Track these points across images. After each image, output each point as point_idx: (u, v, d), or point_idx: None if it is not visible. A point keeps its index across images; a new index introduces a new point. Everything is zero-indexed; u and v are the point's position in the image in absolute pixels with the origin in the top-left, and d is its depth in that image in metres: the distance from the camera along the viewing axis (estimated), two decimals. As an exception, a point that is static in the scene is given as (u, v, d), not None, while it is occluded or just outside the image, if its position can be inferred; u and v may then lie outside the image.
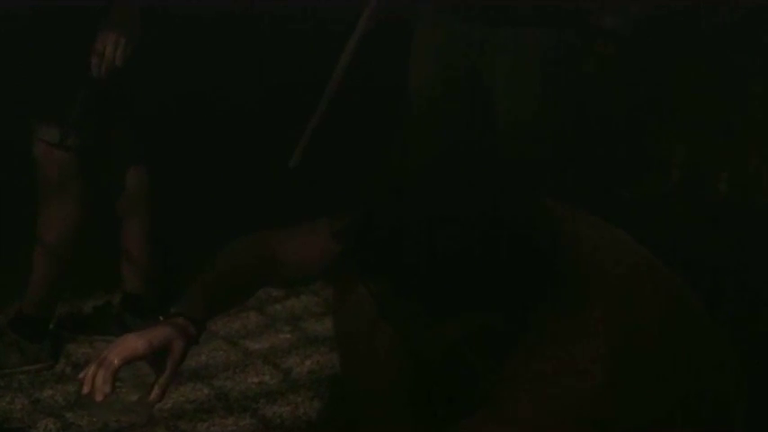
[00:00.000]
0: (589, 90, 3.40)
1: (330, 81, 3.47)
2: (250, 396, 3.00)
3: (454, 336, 1.82)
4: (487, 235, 1.71)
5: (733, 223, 3.80)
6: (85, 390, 1.91)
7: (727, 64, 3.92)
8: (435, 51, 3.21)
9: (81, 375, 1.94)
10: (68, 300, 3.32)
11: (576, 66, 3.17)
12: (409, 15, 3.31)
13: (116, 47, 2.82)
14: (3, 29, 2.86)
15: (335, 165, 3.89)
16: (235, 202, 3.85)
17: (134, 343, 1.92)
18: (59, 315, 3.23)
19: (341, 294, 2.19)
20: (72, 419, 2.84)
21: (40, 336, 3.10)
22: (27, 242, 3.08)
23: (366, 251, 1.76)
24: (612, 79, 3.83)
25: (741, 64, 3.89)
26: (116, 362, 1.90)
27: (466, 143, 3.17)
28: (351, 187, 3.49)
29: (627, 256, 1.95)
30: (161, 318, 2.00)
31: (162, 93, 3.12)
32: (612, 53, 3.32)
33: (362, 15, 3.35)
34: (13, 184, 3.38)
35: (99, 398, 1.90)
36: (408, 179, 1.86)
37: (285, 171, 3.67)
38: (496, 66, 3.11)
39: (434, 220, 1.72)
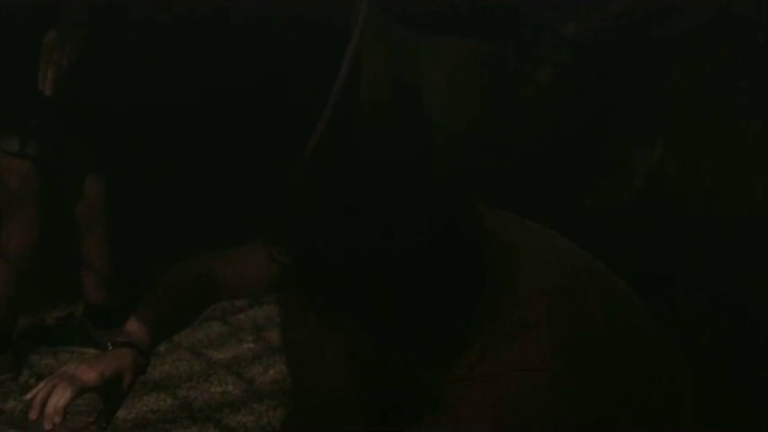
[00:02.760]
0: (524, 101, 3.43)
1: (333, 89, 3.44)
2: (214, 406, 3.00)
3: (396, 344, 1.84)
4: (421, 240, 1.72)
5: (695, 228, 3.82)
6: (33, 415, 1.93)
7: (686, 70, 3.95)
8: (379, 60, 3.23)
9: (28, 396, 1.96)
10: (31, 311, 3.32)
11: (509, 77, 3.20)
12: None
13: (62, 51, 2.82)
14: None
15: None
16: (196, 208, 3.85)
17: (87, 375, 1.94)
18: (22, 326, 3.22)
19: (286, 306, 2.21)
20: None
21: (2, 347, 3.08)
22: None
23: (303, 268, 1.77)
24: (558, 91, 3.87)
25: (700, 70, 3.93)
26: (68, 393, 1.92)
27: (406, 150, 3.20)
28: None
29: (564, 256, 1.98)
30: (109, 345, 2.02)
31: (119, 100, 3.12)
32: (549, 79, 3.35)
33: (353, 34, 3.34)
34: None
35: (47, 426, 1.92)
36: (352, 187, 1.87)
37: (246, 178, 3.68)
38: (434, 73, 3.13)
39: (370, 229, 1.73)
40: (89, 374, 1.94)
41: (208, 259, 2.19)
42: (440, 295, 1.75)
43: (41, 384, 1.96)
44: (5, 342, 3.10)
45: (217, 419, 2.93)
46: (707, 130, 3.95)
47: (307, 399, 2.26)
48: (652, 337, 2.05)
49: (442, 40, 3.09)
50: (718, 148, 3.94)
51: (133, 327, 2.06)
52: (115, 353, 2.00)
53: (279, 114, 4.08)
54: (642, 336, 2.02)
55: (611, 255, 2.16)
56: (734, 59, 3.85)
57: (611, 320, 1.93)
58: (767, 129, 3.88)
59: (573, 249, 2.03)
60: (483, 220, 1.84)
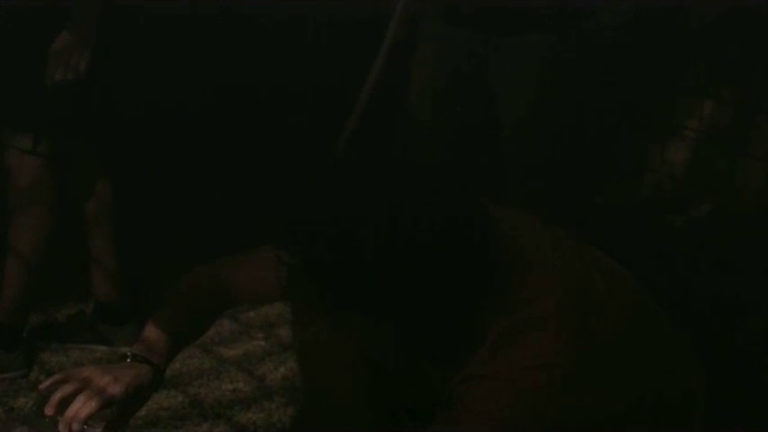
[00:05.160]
0: (584, 96, 3.40)
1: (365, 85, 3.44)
2: (224, 403, 3.00)
3: (405, 342, 1.84)
4: (428, 239, 1.72)
5: (708, 227, 3.82)
6: (50, 412, 1.92)
7: (699, 67, 3.94)
8: (435, 57, 3.22)
9: (43, 386, 1.96)
10: (42, 308, 3.32)
11: (571, 73, 3.18)
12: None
13: (74, 52, 2.82)
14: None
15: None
16: (205, 207, 3.85)
17: (113, 388, 1.94)
18: (33, 323, 3.22)
19: (296, 307, 2.20)
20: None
21: (13, 344, 3.09)
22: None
23: (313, 268, 1.77)
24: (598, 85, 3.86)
25: (713, 68, 3.92)
26: (94, 405, 1.91)
27: (461, 147, 3.19)
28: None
29: (575, 254, 1.97)
30: (127, 356, 2.02)
31: (130, 99, 3.12)
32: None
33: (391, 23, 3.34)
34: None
35: (63, 430, 1.91)
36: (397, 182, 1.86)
37: (255, 178, 3.68)
38: (494, 72, 3.12)
39: (379, 227, 1.73)
40: (115, 388, 1.94)
41: (219, 266, 2.19)
42: (448, 293, 1.75)
43: (58, 377, 1.96)
44: (16, 339, 3.10)
45: (227, 417, 2.93)
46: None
47: (317, 399, 2.26)
48: (665, 335, 2.04)
49: (504, 38, 3.07)
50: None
51: (151, 341, 2.06)
52: (136, 367, 2.00)
53: (288, 116, 4.09)
54: (655, 334, 2.01)
55: (623, 253, 2.15)
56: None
57: (623, 318, 1.93)
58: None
59: (584, 247, 2.03)
60: (492, 218, 1.84)
